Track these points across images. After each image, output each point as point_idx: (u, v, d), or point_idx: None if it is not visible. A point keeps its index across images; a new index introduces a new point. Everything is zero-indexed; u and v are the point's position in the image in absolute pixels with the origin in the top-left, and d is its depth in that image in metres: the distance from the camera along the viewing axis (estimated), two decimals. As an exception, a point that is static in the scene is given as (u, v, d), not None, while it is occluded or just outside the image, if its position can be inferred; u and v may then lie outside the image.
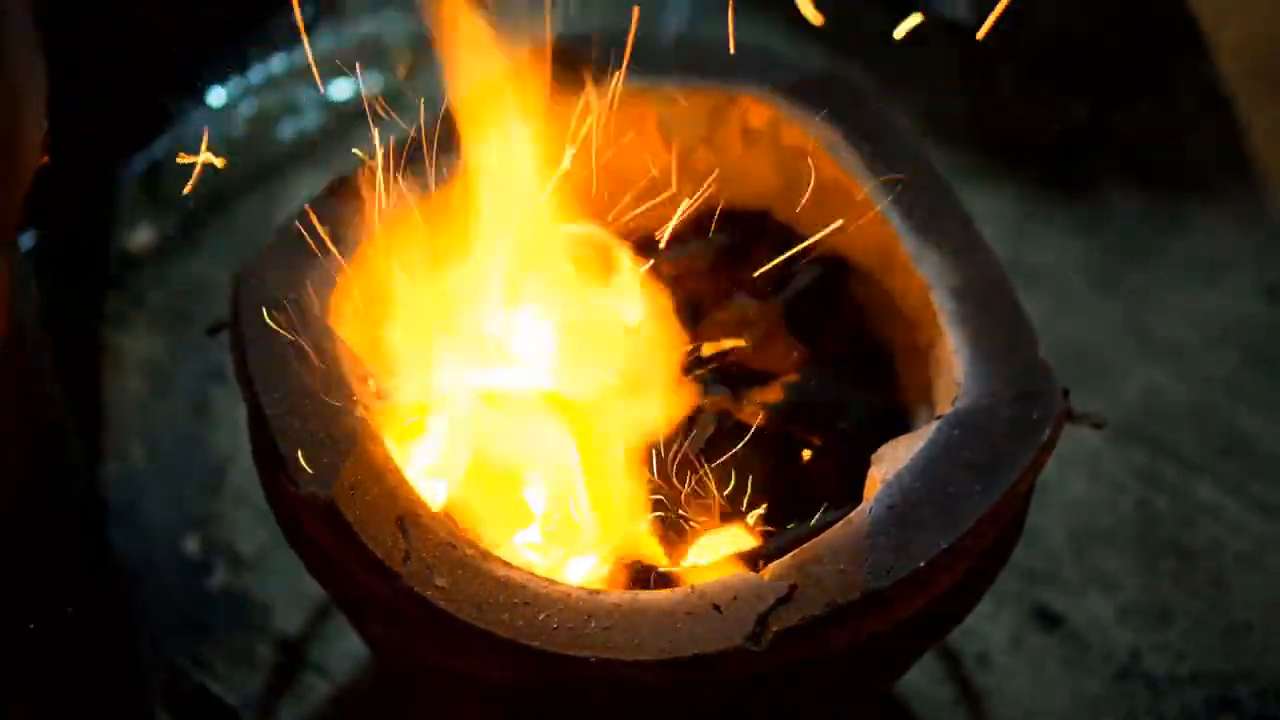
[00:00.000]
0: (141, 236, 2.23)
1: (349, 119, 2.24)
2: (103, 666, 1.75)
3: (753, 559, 1.29)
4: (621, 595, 1.19)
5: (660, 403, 1.38)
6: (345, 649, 1.79)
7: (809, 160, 1.48)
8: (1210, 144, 2.44)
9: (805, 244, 1.41)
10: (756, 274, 1.46)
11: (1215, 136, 2.45)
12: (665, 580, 1.29)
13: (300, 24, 1.28)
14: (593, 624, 1.17)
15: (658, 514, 1.34)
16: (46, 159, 1.25)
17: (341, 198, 1.39)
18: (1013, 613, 1.86)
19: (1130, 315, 2.21)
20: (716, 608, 1.17)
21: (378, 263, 1.36)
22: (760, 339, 1.48)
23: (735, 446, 1.37)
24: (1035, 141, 2.43)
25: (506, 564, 1.20)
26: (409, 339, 1.36)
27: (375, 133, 1.35)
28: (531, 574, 1.20)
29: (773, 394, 1.41)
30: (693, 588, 1.19)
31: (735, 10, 1.41)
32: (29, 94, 1.21)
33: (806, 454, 1.41)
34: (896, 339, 1.47)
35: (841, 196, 1.47)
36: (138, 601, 1.84)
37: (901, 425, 1.43)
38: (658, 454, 1.36)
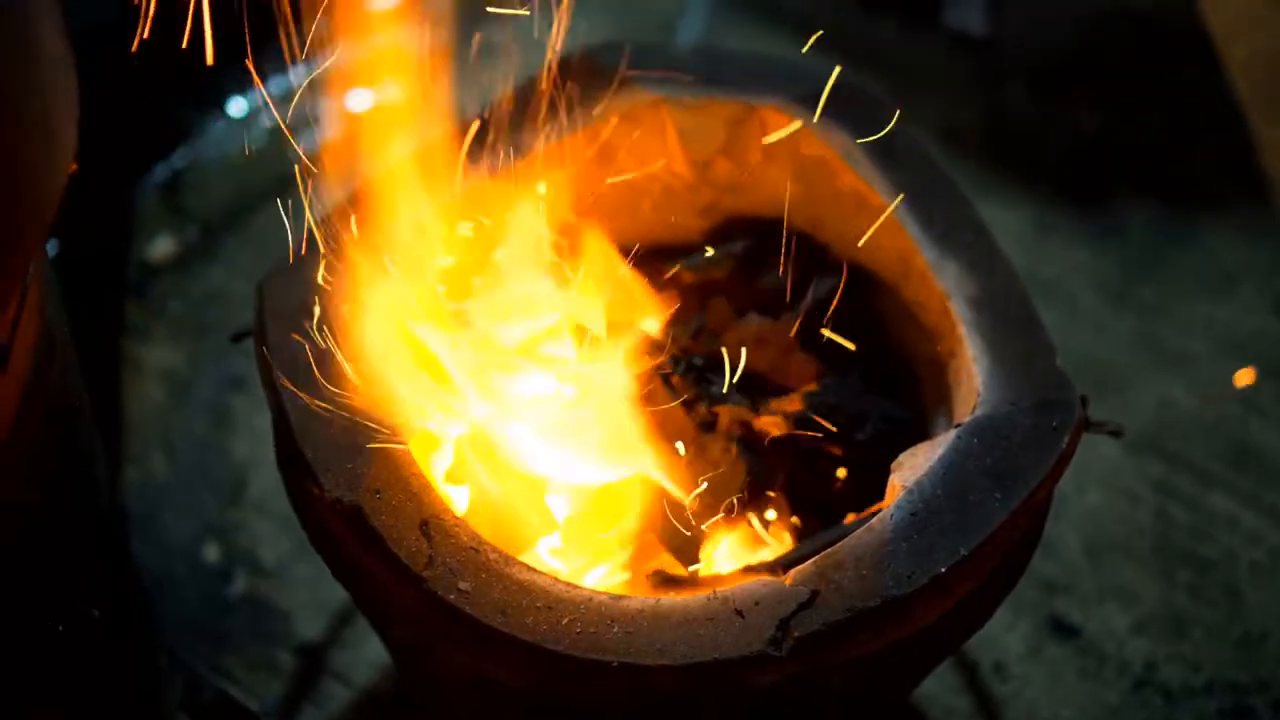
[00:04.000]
0: (162, 247, 2.24)
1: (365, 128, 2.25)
2: (122, 673, 1.76)
3: (775, 565, 1.29)
4: (644, 600, 1.20)
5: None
6: (366, 656, 1.80)
7: (827, 170, 1.49)
8: (1222, 158, 2.45)
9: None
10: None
11: (1227, 151, 2.45)
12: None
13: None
14: (615, 628, 1.17)
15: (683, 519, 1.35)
16: (75, 167, 1.26)
17: (365, 206, 1.40)
18: (1030, 622, 1.86)
19: (1143, 328, 2.21)
20: (739, 613, 1.18)
21: (401, 269, 1.37)
22: (778, 352, 1.48)
23: (756, 455, 1.38)
24: (1049, 154, 2.44)
25: (530, 569, 1.21)
26: (433, 343, 1.37)
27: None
28: (555, 579, 1.21)
29: (792, 404, 1.41)
30: (715, 593, 1.20)
31: (752, 21, 1.42)
32: (63, 103, 1.22)
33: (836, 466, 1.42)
34: (915, 348, 1.48)
35: (859, 206, 1.48)
36: (157, 610, 1.85)
37: (920, 434, 1.44)
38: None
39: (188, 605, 1.86)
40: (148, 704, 1.76)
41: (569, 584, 1.21)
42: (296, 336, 1.32)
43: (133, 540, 1.89)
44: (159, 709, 1.75)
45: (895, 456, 1.31)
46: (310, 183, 1.37)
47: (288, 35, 1.31)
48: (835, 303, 1.42)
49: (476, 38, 1.37)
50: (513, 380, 1.39)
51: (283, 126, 1.33)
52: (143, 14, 1.32)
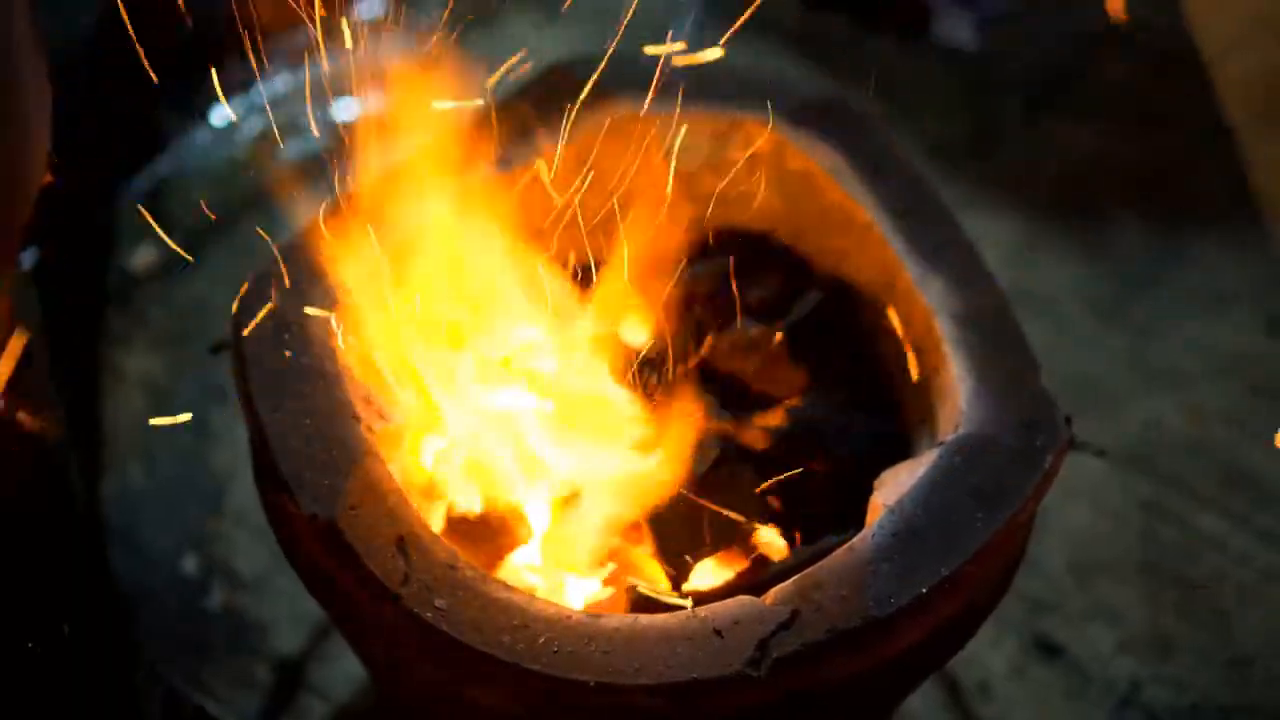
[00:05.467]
0: (144, 255, 2.23)
1: (353, 139, 2.24)
2: (100, 688, 1.74)
3: (755, 584, 1.28)
4: (622, 618, 1.19)
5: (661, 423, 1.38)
6: (344, 670, 1.79)
7: (813, 185, 1.48)
8: (1215, 175, 2.44)
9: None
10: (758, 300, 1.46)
11: (1220, 168, 2.45)
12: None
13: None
14: (592, 647, 1.16)
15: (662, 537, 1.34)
16: (51, 178, 1.26)
17: (345, 218, 1.39)
18: (1014, 642, 1.85)
19: (1133, 346, 2.20)
20: (717, 632, 1.17)
21: (381, 281, 1.36)
22: (763, 363, 1.47)
23: (738, 471, 1.37)
24: (1039, 170, 2.44)
25: (507, 586, 1.20)
26: (411, 358, 1.36)
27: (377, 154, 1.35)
28: (532, 596, 1.20)
29: (775, 418, 1.40)
30: (694, 612, 1.19)
31: (740, 35, 1.41)
32: (35, 113, 1.21)
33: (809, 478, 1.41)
34: (899, 365, 1.47)
35: (844, 221, 1.47)
36: (135, 622, 1.83)
37: (903, 451, 1.43)
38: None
39: (166, 617, 1.85)
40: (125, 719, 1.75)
41: (546, 601, 1.20)
42: (275, 347, 1.31)
43: (111, 551, 1.88)
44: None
45: (877, 474, 1.30)
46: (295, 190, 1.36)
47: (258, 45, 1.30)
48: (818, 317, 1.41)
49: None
50: (493, 393, 1.38)
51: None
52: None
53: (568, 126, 1.42)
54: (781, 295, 1.50)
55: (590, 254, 1.40)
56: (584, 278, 1.44)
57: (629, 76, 1.46)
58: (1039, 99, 2.53)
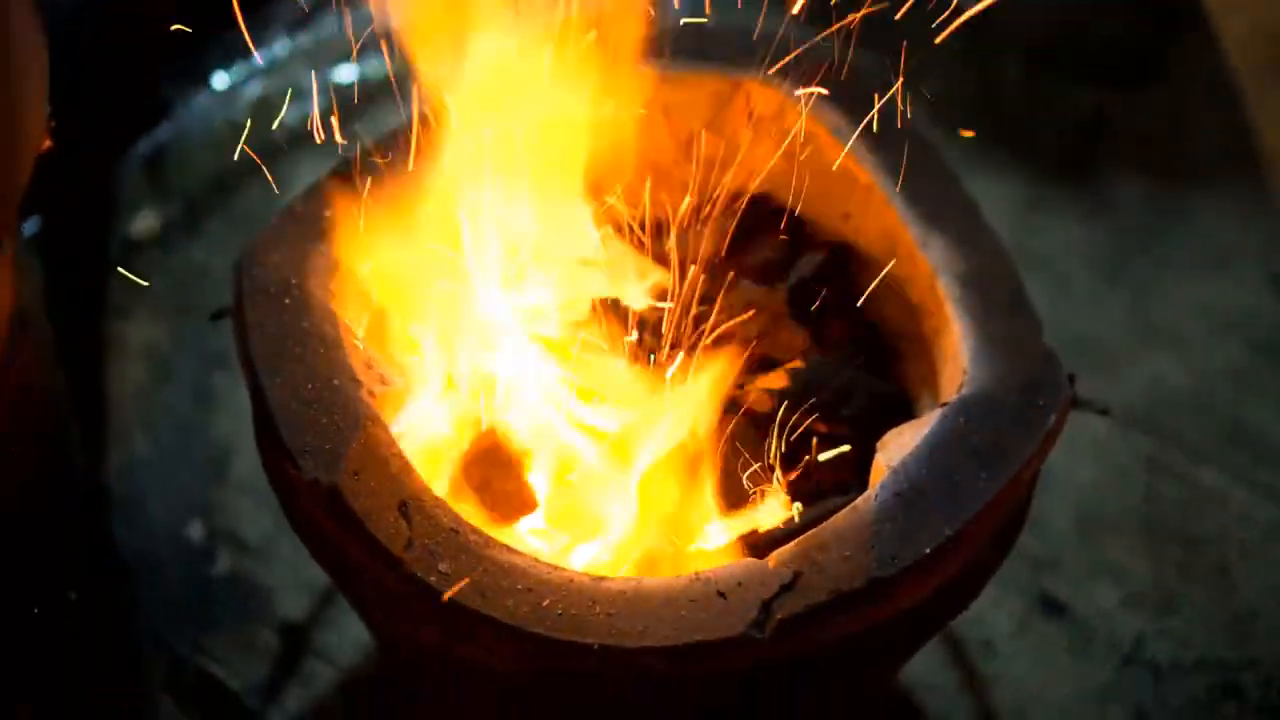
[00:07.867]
0: (144, 221, 2.22)
1: (353, 103, 2.23)
2: (105, 655, 1.75)
3: (759, 545, 1.28)
4: (626, 581, 1.19)
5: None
6: (349, 635, 1.79)
7: (815, 146, 1.47)
8: (1216, 134, 2.43)
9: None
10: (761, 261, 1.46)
11: (1221, 126, 2.44)
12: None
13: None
14: (596, 610, 1.16)
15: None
16: (50, 144, 1.25)
17: (344, 181, 1.39)
18: (1018, 600, 1.85)
19: (1135, 304, 2.20)
20: (721, 594, 1.17)
21: (380, 245, 1.36)
22: (765, 325, 1.47)
23: (741, 433, 1.37)
24: (1040, 130, 2.43)
25: (510, 549, 1.20)
26: (414, 322, 1.35)
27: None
28: (535, 560, 1.20)
29: (778, 380, 1.40)
30: (698, 574, 1.19)
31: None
32: (32, 79, 1.21)
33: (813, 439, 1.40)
34: (902, 325, 1.47)
35: (847, 183, 1.46)
36: (140, 589, 1.84)
37: (906, 412, 1.43)
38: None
39: (171, 585, 1.85)
40: (130, 685, 1.76)
41: (550, 565, 1.20)
42: (275, 312, 1.30)
43: (115, 521, 1.88)
44: (141, 690, 1.75)
45: (881, 434, 1.30)
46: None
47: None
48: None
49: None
50: (506, 358, 1.38)
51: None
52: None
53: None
54: (783, 257, 1.50)
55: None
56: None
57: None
58: (1042, 58, 2.51)
